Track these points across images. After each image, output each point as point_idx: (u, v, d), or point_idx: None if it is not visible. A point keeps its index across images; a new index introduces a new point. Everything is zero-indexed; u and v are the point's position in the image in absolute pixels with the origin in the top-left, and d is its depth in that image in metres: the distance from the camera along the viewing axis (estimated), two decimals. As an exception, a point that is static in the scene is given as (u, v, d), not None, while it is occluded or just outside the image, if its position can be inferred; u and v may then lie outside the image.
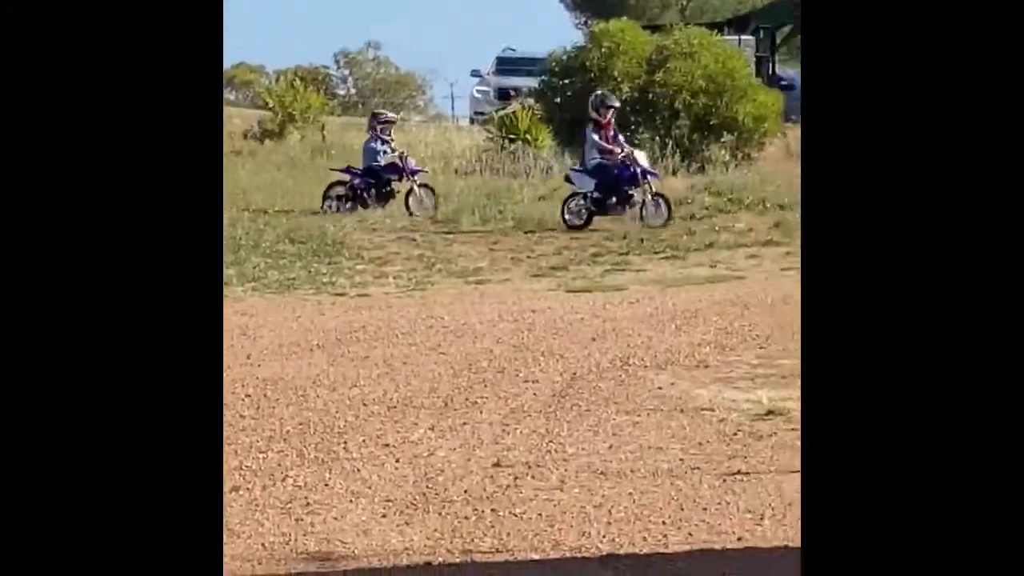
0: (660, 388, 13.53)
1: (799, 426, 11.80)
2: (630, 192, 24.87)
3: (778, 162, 29.29)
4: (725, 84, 29.93)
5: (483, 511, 9.93)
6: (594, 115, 25.43)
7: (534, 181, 28.94)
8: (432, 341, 15.85)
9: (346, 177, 27.02)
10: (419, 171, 27.06)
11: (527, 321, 17.29)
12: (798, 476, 10.44)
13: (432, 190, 26.77)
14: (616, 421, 12.34)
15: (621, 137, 25.74)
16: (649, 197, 24.69)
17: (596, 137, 25.08)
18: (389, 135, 27.53)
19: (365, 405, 12.76)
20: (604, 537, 9.33)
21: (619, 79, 30.17)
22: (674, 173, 28.13)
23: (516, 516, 9.80)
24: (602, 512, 9.85)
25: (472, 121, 47.91)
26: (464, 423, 12.36)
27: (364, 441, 11.54)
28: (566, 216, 24.89)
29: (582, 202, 24.94)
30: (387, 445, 11.46)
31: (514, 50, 49.77)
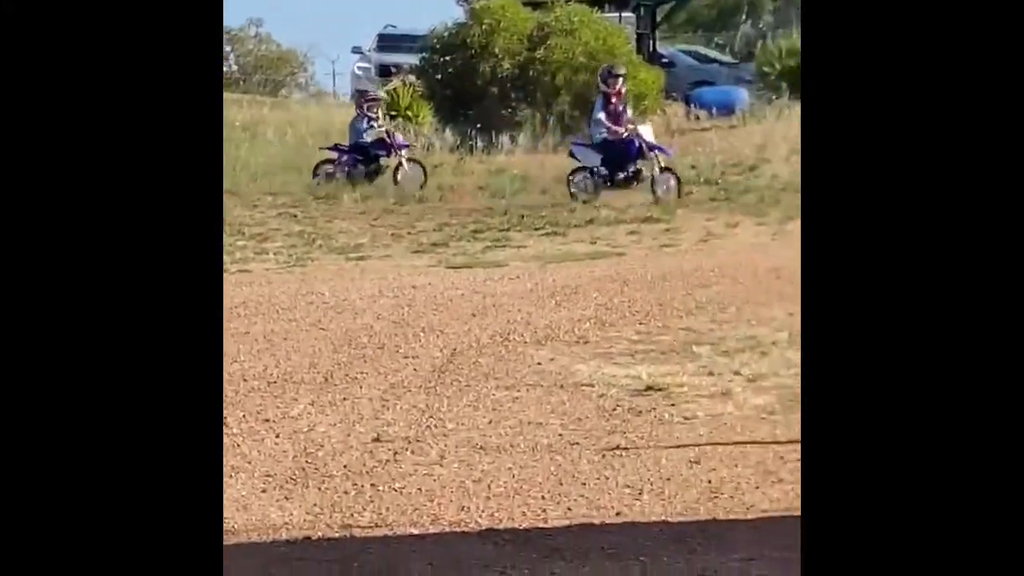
0: (540, 364, 13.54)
1: (678, 402, 11.90)
2: (638, 167, 24.68)
3: (658, 139, 29.35)
4: (606, 60, 29.94)
5: (362, 486, 9.93)
6: (603, 88, 25.29)
7: (417, 157, 28.88)
8: (312, 317, 15.81)
9: (334, 155, 26.83)
10: (406, 146, 26.92)
11: (407, 297, 17.28)
12: (677, 451, 10.51)
13: (420, 164, 26.62)
14: (496, 396, 12.35)
15: (629, 112, 25.55)
16: (658, 171, 24.50)
17: (603, 115, 24.85)
18: (375, 112, 27.36)
19: (245, 380, 12.72)
20: (483, 512, 9.34)
21: (500, 56, 30.14)
22: (555, 150, 28.12)
23: (395, 491, 9.79)
24: (481, 487, 9.86)
25: (353, 98, 47.74)
26: (344, 398, 12.34)
27: (244, 416, 11.50)
28: (572, 190, 24.75)
29: (588, 177, 24.75)
30: (267, 420, 11.44)
31: (395, 27, 49.63)
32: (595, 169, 24.69)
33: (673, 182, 24.64)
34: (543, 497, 9.58)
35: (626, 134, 24.82)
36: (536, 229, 22.78)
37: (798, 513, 9.08)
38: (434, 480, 10.02)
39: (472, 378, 13.04)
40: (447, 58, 31.32)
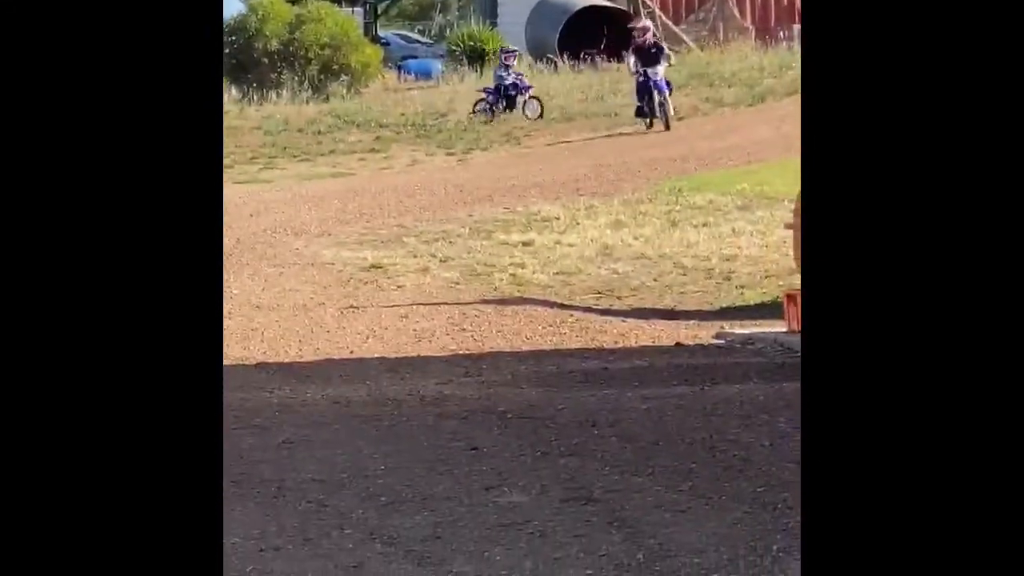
0: (297, 249, 13.39)
1: (393, 275, 11.84)
2: (656, 100, 22.56)
3: (378, 95, 29.11)
4: (343, 40, 29.62)
5: (173, 334, 9.70)
6: (637, 40, 23.53)
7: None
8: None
9: (483, 95, 25.34)
10: (530, 87, 25.52)
11: (205, 202, 16.94)
12: (392, 309, 10.48)
13: (539, 100, 25.22)
14: (267, 272, 12.19)
15: (663, 48, 23.57)
16: (657, 104, 22.50)
17: (632, 60, 22.96)
18: (512, 62, 25.83)
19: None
20: (259, 351, 9.21)
21: (269, 36, 29.59)
22: (307, 103, 27.73)
23: (197, 337, 9.59)
24: (257, 333, 9.71)
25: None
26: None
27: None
28: (639, 119, 22.59)
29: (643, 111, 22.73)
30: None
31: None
32: (640, 105, 22.53)
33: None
34: (299, 341, 9.47)
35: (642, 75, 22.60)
36: (294, 156, 22.46)
37: (479, 352, 9.18)
38: (225, 329, 9.83)
39: (250, 259, 12.85)
40: (232, 38, 30.68)
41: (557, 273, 11.64)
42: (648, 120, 22.45)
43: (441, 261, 12.43)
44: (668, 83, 22.67)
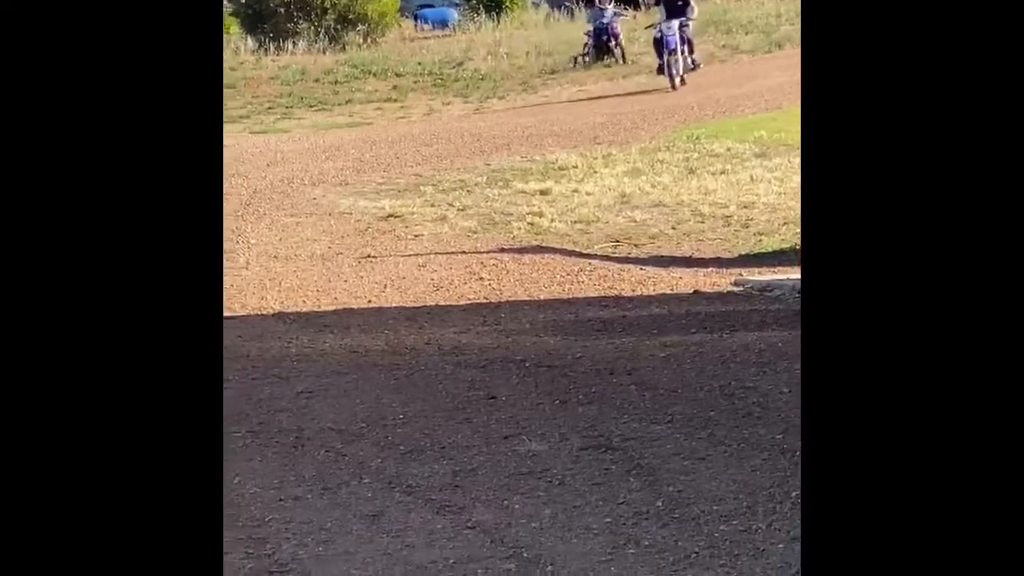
0: (315, 199, 13.36)
1: (410, 224, 11.80)
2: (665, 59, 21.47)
3: (395, 45, 28.99)
4: (360, -8, 29.56)
5: (191, 284, 9.70)
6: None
7: (226, 56, 28.11)
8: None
9: (587, 39, 24.91)
10: (619, 33, 24.88)
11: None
12: (410, 259, 10.45)
13: (622, 46, 24.55)
14: (284, 222, 12.17)
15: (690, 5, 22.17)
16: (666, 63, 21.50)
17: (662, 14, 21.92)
18: (607, 5, 25.16)
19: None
20: (277, 301, 9.19)
21: (286, -14, 29.53)
22: (324, 53, 27.63)
23: (215, 287, 9.58)
24: (275, 283, 9.70)
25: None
26: (178, 223, 12.06)
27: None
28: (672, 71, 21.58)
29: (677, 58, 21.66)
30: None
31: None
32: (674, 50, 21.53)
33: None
34: (317, 291, 9.45)
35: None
36: (311, 106, 22.40)
37: (497, 301, 9.16)
38: (242, 279, 9.82)
39: (268, 209, 12.83)
40: (249, -13, 30.57)
41: (575, 221, 11.60)
42: (669, 80, 21.09)
43: (459, 210, 12.39)
44: (687, 39, 21.52)
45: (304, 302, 9.12)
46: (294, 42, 28.36)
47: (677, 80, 20.92)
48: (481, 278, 9.64)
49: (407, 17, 32.88)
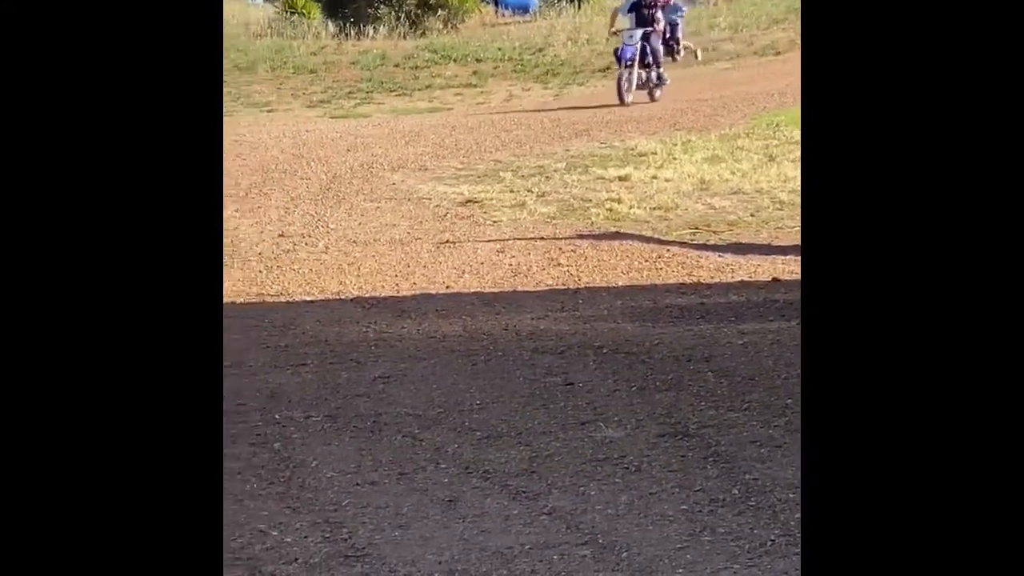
0: (394, 184, 13.39)
1: (489, 210, 11.82)
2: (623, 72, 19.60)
3: (475, 30, 29.01)
4: (440, -23, 29.62)
5: (271, 267, 9.78)
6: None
7: (307, 41, 28.27)
8: (235, 151, 15.48)
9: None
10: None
11: (303, 138, 16.99)
12: (488, 244, 10.46)
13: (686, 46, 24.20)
14: (364, 206, 12.21)
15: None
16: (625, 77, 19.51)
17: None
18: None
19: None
20: (355, 286, 9.23)
21: (365, -28, 29.63)
22: (404, 38, 27.70)
23: (294, 271, 9.66)
24: (354, 268, 9.74)
25: (265, -1, 46.44)
26: (259, 207, 12.14)
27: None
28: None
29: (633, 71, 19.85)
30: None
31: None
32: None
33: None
34: (396, 275, 9.48)
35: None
36: (391, 91, 22.47)
37: (575, 287, 9.15)
38: (321, 263, 9.88)
39: (347, 194, 12.88)
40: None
41: (653, 208, 11.55)
42: (618, 95, 18.69)
43: (537, 196, 12.38)
44: (652, 50, 19.06)
45: (382, 287, 9.16)
46: (375, 27, 28.44)
47: (628, 96, 18.59)
48: (559, 264, 9.63)
49: (488, 3, 32.88)
